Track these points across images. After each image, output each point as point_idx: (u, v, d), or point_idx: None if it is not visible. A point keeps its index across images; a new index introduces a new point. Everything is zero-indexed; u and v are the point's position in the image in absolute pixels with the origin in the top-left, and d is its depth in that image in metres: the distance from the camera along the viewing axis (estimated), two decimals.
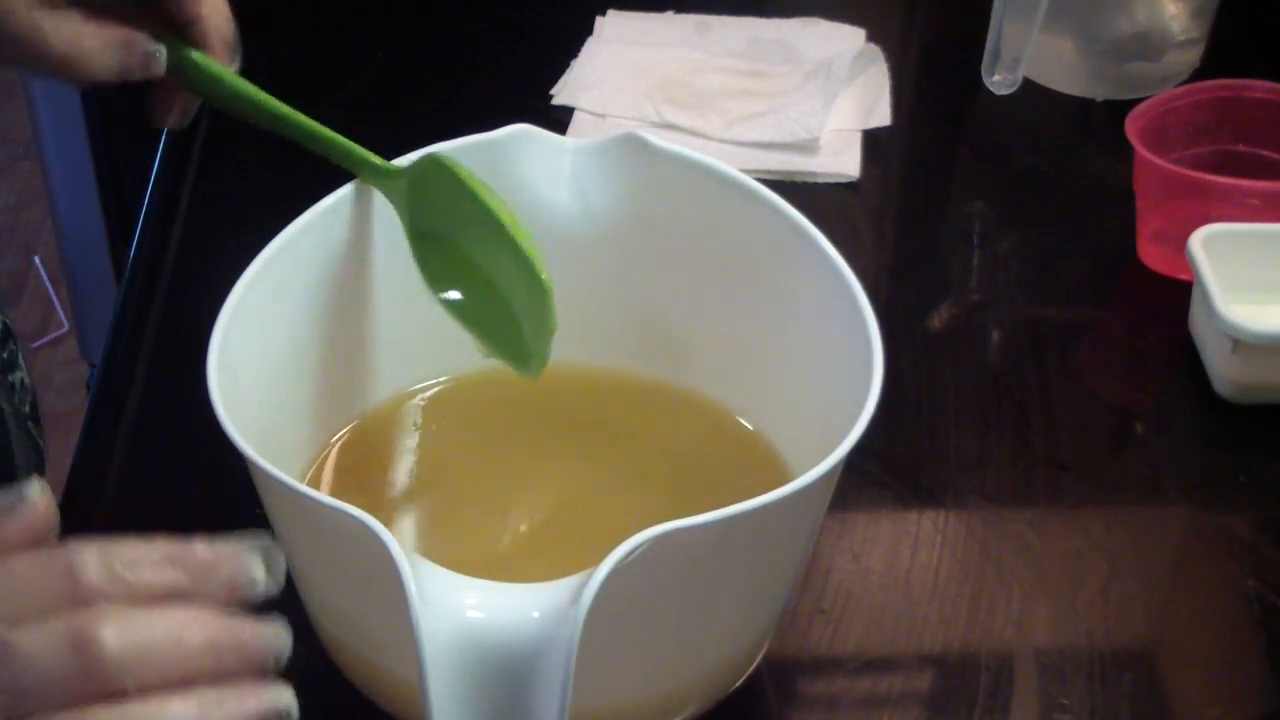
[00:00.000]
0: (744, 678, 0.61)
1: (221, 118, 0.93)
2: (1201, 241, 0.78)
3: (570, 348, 0.69)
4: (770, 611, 0.61)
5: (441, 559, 0.50)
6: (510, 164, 0.65)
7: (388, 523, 0.65)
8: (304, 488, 0.52)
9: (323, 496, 0.52)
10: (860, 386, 0.56)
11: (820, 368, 0.62)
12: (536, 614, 0.48)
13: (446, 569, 0.49)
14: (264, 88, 0.87)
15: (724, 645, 0.59)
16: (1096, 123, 0.94)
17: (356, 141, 0.95)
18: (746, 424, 0.68)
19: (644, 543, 0.49)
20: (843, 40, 0.99)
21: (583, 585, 0.47)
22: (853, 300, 0.59)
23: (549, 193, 0.66)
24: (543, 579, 0.49)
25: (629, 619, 0.53)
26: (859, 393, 0.56)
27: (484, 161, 0.65)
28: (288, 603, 0.60)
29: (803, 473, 0.53)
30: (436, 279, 0.64)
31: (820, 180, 0.90)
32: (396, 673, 0.56)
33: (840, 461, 0.54)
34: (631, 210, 0.66)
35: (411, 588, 0.47)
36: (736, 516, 0.51)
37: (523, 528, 0.67)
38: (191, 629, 0.44)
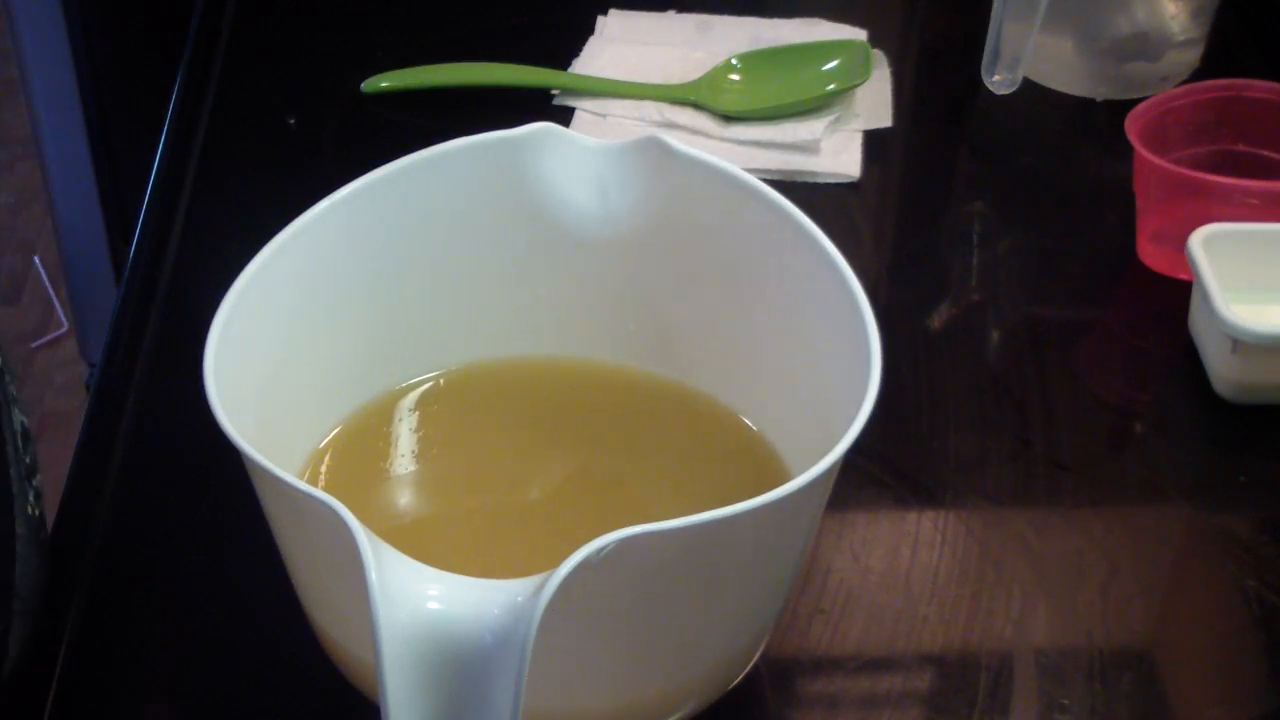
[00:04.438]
0: (742, 677, 0.61)
1: (221, 118, 0.94)
2: (1201, 241, 0.78)
3: (570, 344, 0.70)
4: (767, 612, 0.61)
5: (432, 553, 0.50)
6: (531, 162, 0.66)
7: (381, 517, 0.65)
8: (282, 473, 0.53)
9: (298, 482, 0.52)
10: (859, 387, 0.56)
11: (819, 368, 0.62)
12: (496, 610, 0.48)
13: (415, 560, 0.50)
14: (265, 87, 0.87)
15: (718, 645, 0.59)
16: (1096, 123, 0.94)
17: (356, 143, 0.96)
18: (749, 423, 0.68)
19: (609, 544, 0.49)
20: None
21: (543, 584, 0.48)
22: (852, 300, 0.59)
23: (568, 192, 0.66)
24: (533, 575, 0.50)
25: (602, 618, 0.54)
26: (857, 393, 0.56)
27: (504, 158, 0.65)
28: (287, 602, 0.60)
29: (801, 473, 0.53)
30: None
31: (820, 180, 0.90)
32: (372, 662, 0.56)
33: (833, 465, 0.54)
34: (647, 212, 0.66)
35: (373, 575, 0.48)
36: (708, 523, 0.51)
37: (516, 523, 0.67)
38: None
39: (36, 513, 0.66)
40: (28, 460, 0.65)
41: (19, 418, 0.65)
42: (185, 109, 0.95)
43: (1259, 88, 0.87)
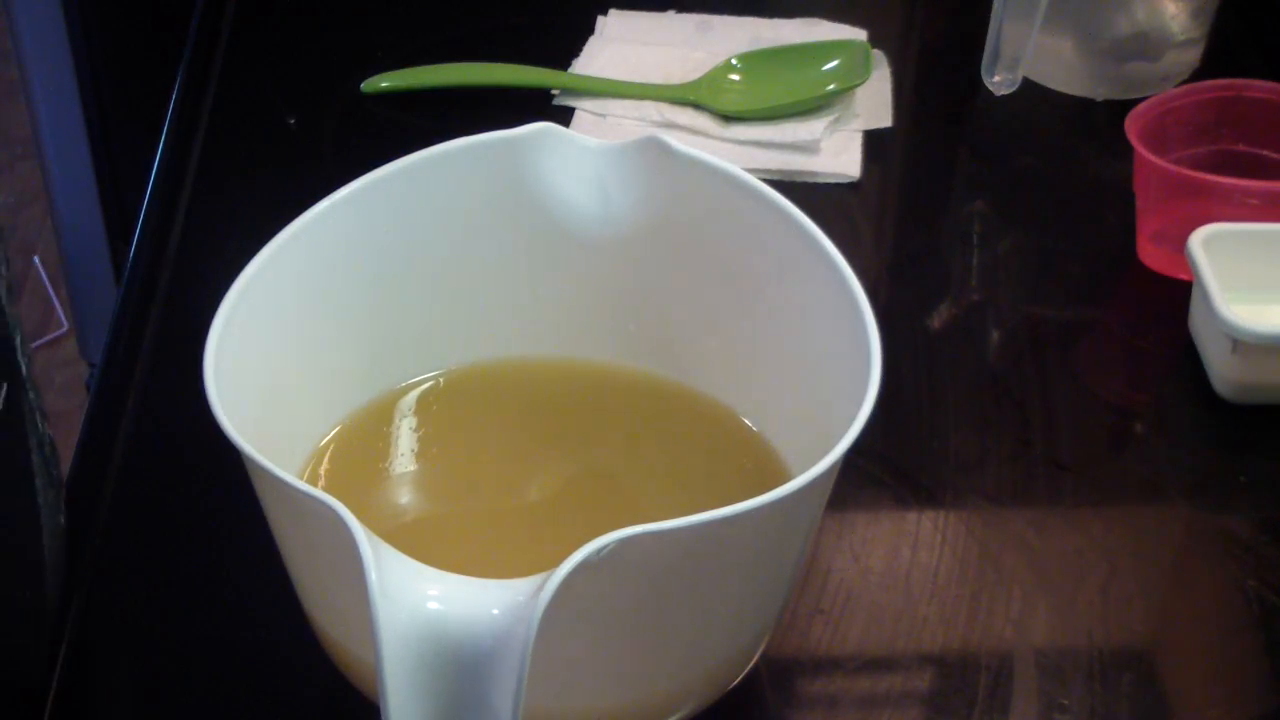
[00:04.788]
0: (741, 677, 0.61)
1: (221, 118, 0.94)
2: (1201, 241, 0.78)
3: (570, 344, 0.70)
4: (766, 613, 0.61)
5: (432, 553, 0.50)
6: (531, 162, 0.66)
7: (381, 517, 0.65)
8: (282, 473, 0.53)
9: (298, 482, 0.52)
10: (859, 387, 0.56)
11: (820, 368, 0.62)
12: (496, 610, 0.48)
13: (414, 560, 0.50)
14: (265, 87, 0.87)
15: (718, 646, 0.59)
16: (1096, 123, 0.94)
17: (356, 143, 0.96)
18: (749, 423, 0.68)
19: (609, 544, 0.49)
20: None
21: (543, 584, 0.48)
22: (852, 300, 0.59)
23: (569, 192, 0.66)
24: (533, 575, 0.50)
25: (603, 618, 0.54)
26: (857, 393, 0.56)
27: (504, 158, 0.65)
28: (287, 602, 0.60)
29: (801, 473, 0.53)
30: None
31: (820, 180, 0.90)
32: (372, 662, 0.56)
33: (833, 465, 0.54)
34: (648, 212, 0.66)
35: (372, 575, 0.48)
36: (709, 522, 0.51)
37: (517, 523, 0.67)
38: None
39: (64, 523, 0.66)
40: (53, 473, 0.65)
41: (45, 431, 0.65)
42: (185, 109, 0.95)
43: (1259, 88, 0.87)
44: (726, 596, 0.57)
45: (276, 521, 0.58)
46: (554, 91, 0.95)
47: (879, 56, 0.97)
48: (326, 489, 0.53)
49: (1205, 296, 0.76)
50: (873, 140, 0.93)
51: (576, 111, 0.94)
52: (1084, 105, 0.96)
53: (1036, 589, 0.70)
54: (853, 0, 1.02)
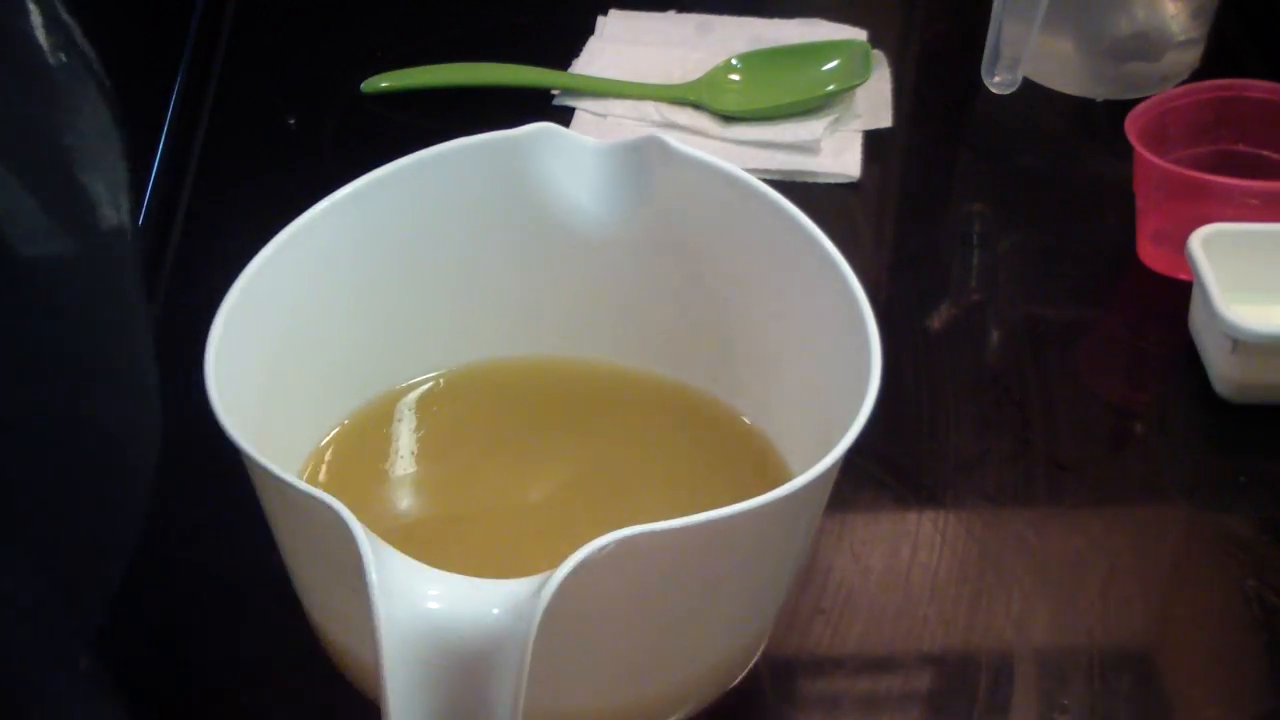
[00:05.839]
0: (741, 677, 0.61)
1: (221, 118, 0.94)
2: (1201, 241, 0.78)
3: (570, 344, 0.70)
4: (767, 612, 0.61)
5: (432, 553, 0.50)
6: (531, 162, 0.66)
7: (381, 517, 0.66)
8: (282, 473, 0.53)
9: (298, 482, 0.53)
10: (859, 387, 0.56)
11: (819, 368, 0.62)
12: (496, 610, 0.48)
13: (415, 559, 0.50)
14: (265, 87, 0.86)
15: (718, 645, 0.59)
16: (1096, 123, 0.94)
17: (356, 143, 0.95)
18: (748, 422, 0.68)
19: (609, 544, 0.49)
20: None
21: (544, 584, 0.48)
22: (852, 300, 0.60)
23: (568, 192, 0.66)
24: (533, 575, 0.50)
25: (603, 618, 0.54)
26: (857, 393, 0.56)
27: (504, 158, 0.65)
28: (287, 602, 0.60)
29: (801, 473, 0.53)
30: None
31: (820, 180, 0.90)
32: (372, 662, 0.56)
33: (833, 465, 0.54)
34: (648, 212, 0.66)
35: (372, 575, 0.48)
36: (709, 522, 0.51)
37: (517, 523, 0.67)
38: None
39: None
40: None
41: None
42: (185, 109, 0.95)
43: (1259, 88, 0.87)
44: (726, 596, 0.57)
45: (276, 521, 0.58)
46: (554, 91, 0.95)
47: (879, 56, 0.97)
48: (326, 489, 0.53)
49: (1205, 296, 0.76)
50: (873, 140, 0.93)
51: (576, 111, 0.94)
52: (1084, 105, 0.96)
53: (1036, 589, 0.70)
54: (853, 0, 1.02)
